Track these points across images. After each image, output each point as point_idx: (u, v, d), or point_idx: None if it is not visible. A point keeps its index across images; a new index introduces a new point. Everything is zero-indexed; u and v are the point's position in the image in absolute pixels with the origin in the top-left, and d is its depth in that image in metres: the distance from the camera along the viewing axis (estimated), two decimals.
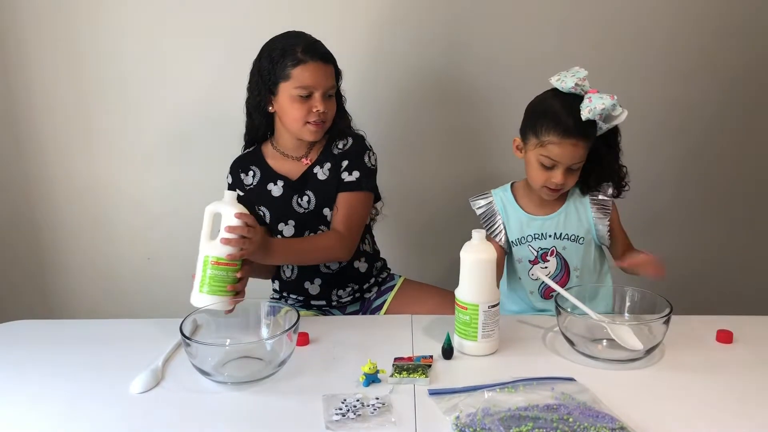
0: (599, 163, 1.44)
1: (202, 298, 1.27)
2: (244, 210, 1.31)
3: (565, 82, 1.37)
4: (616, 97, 1.34)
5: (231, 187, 1.62)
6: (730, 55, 2.04)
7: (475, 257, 1.23)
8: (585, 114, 1.34)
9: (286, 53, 1.48)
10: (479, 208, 1.53)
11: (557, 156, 1.37)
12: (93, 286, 2.22)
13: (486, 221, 1.51)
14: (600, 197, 1.48)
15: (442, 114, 2.08)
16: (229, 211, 1.29)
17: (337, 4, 1.97)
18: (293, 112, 1.50)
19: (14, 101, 2.04)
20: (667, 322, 1.20)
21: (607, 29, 2.01)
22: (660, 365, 1.21)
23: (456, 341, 1.27)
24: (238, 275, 1.30)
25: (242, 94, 1.58)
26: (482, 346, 1.24)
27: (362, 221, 1.58)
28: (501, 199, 1.52)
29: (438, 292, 1.68)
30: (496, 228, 1.50)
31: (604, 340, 1.25)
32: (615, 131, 1.43)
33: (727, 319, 1.35)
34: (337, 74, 1.56)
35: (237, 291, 1.29)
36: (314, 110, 1.48)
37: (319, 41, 1.53)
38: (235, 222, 1.27)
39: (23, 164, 2.10)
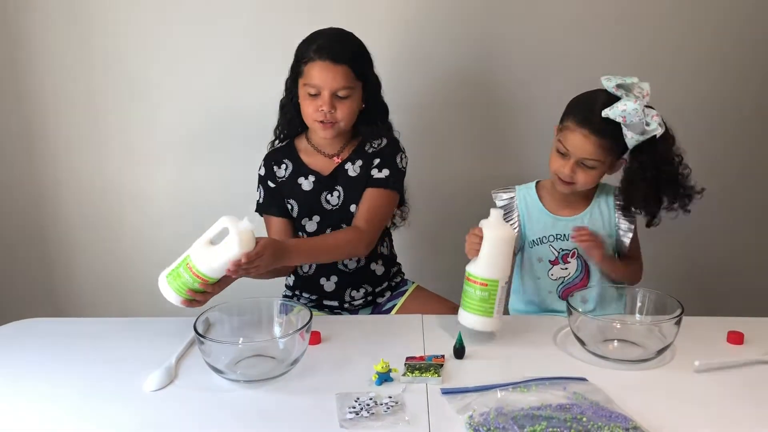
0: (642, 182, 1.39)
1: (167, 288, 1.26)
2: (251, 247, 1.25)
3: (610, 80, 1.36)
4: (639, 103, 1.31)
5: (262, 179, 1.61)
6: (754, 55, 2.04)
7: (498, 233, 1.26)
8: (605, 111, 1.33)
9: (304, 50, 1.50)
10: (501, 200, 1.54)
11: (567, 143, 1.39)
12: (101, 286, 2.23)
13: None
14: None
15: (465, 117, 2.07)
16: (235, 240, 1.22)
17: (364, 1, 1.96)
18: (304, 108, 1.52)
19: (24, 101, 2.05)
20: (678, 323, 1.21)
21: (636, 31, 2.00)
22: (671, 366, 1.21)
23: (464, 318, 1.29)
24: (203, 287, 1.26)
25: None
26: (495, 321, 1.27)
27: (384, 219, 1.58)
28: (524, 196, 1.52)
29: (448, 303, 1.67)
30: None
31: (615, 341, 1.25)
32: (668, 155, 1.37)
33: (738, 321, 1.36)
34: (360, 77, 1.51)
35: (196, 299, 1.27)
36: (320, 109, 1.48)
37: (341, 41, 1.50)
38: (239, 257, 1.23)
39: (32, 164, 2.11)
